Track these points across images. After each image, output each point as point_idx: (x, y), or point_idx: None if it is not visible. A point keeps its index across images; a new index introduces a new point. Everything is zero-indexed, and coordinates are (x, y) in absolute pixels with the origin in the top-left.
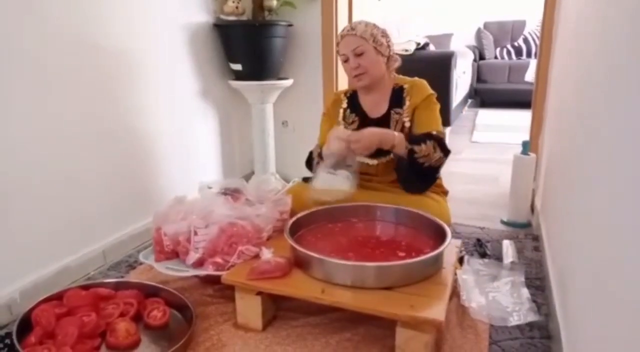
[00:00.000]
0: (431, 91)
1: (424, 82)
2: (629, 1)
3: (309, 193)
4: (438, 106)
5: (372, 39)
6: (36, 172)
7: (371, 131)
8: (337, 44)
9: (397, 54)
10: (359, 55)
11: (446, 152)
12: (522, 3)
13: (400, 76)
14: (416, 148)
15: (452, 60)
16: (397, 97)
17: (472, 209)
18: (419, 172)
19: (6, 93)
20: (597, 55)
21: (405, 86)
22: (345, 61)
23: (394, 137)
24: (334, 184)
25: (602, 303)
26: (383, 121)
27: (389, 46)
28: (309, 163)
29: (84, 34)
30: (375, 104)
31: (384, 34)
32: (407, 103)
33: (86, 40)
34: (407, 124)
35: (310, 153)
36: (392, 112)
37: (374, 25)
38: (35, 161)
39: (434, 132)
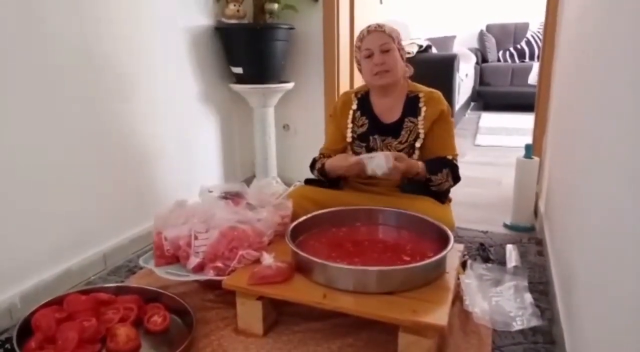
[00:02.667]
0: (447, 105)
1: (440, 94)
2: (630, 3)
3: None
4: (453, 122)
5: (397, 40)
6: (36, 176)
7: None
8: (361, 40)
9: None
10: (385, 51)
11: (457, 180)
12: (524, 5)
13: (415, 83)
14: (433, 178)
15: (455, 63)
16: (412, 105)
17: (475, 212)
18: (428, 192)
19: (5, 96)
20: (599, 58)
21: (421, 95)
22: (368, 57)
23: (418, 166)
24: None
25: (606, 308)
26: (395, 128)
27: (405, 53)
28: (313, 168)
29: (83, 36)
30: (388, 109)
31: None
32: (423, 114)
33: (86, 42)
34: (422, 136)
35: (314, 160)
36: (406, 119)
37: (398, 30)
38: (35, 164)
39: (450, 157)
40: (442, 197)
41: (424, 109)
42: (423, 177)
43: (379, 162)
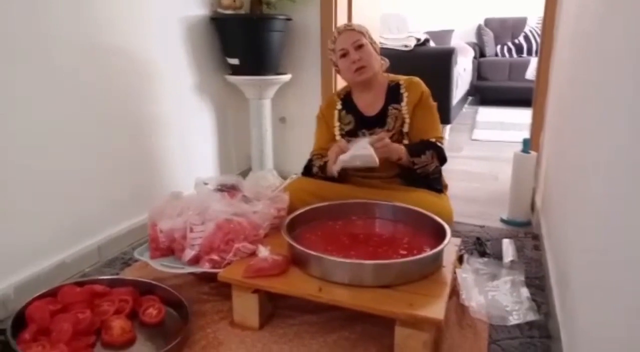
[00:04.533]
0: (426, 89)
1: (419, 79)
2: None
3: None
4: (435, 106)
5: (368, 35)
6: (31, 168)
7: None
8: (334, 42)
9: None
10: (359, 47)
11: (443, 161)
12: (523, 0)
13: (395, 75)
14: (416, 160)
15: (453, 57)
16: (393, 93)
17: (472, 207)
18: (417, 177)
19: (5, 89)
20: (596, 53)
21: (402, 82)
22: (344, 56)
23: (400, 150)
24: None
25: (602, 302)
26: (379, 118)
27: (377, 47)
28: (308, 170)
29: (79, 28)
30: (370, 103)
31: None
32: (405, 99)
33: (81, 34)
34: (408, 121)
35: (309, 161)
36: (390, 107)
37: (366, 27)
38: (31, 157)
39: (433, 140)
40: (437, 185)
41: (405, 94)
42: (407, 162)
43: (363, 152)
